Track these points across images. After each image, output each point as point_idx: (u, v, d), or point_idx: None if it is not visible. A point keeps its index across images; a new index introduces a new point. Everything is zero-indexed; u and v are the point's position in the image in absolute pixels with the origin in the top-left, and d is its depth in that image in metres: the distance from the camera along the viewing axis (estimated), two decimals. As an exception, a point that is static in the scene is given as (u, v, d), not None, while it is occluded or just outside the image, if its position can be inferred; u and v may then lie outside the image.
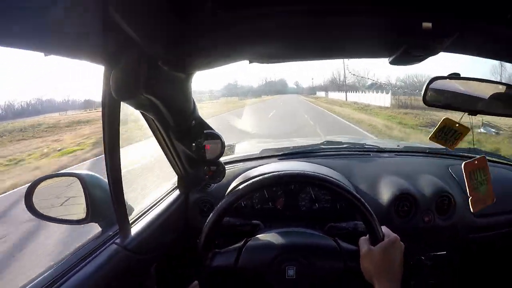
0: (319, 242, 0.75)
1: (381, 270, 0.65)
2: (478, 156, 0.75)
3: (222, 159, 0.90)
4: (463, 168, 0.71)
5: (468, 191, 0.72)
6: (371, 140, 1.66)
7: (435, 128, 0.73)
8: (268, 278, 0.70)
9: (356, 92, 27.90)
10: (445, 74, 0.74)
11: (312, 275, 0.69)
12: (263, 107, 24.58)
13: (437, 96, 0.72)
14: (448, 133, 0.71)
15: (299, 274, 0.69)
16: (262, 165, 1.14)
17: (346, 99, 28.21)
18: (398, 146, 1.37)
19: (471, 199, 0.73)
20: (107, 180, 0.77)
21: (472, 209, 0.72)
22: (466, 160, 0.73)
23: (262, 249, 0.73)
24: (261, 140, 1.82)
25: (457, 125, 0.70)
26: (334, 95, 39.11)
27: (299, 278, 0.69)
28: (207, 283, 0.71)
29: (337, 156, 1.24)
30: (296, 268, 0.69)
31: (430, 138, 0.75)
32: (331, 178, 0.71)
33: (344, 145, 1.36)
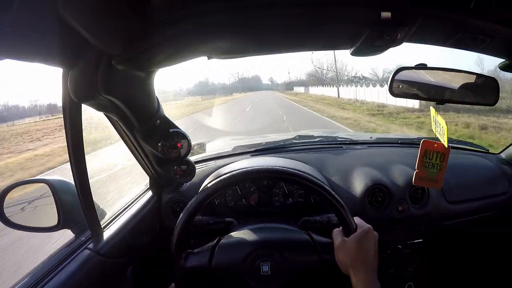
0: (292, 236, 0.75)
1: (356, 260, 0.65)
2: (442, 143, 0.76)
3: (193, 158, 0.90)
4: (420, 144, 0.72)
5: (416, 165, 0.73)
6: (344, 133, 1.67)
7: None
8: (243, 275, 0.70)
9: (347, 86, 23.07)
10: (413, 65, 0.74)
11: (287, 270, 0.70)
12: (231, 107, 19.89)
13: (404, 87, 0.72)
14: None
15: (274, 269, 0.70)
16: (234, 162, 1.14)
17: (339, 95, 22.81)
18: (371, 138, 1.39)
19: (416, 173, 0.74)
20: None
21: (413, 181, 0.74)
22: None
23: (235, 246, 0.73)
24: (234, 137, 1.81)
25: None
26: (316, 90, 35.13)
27: (274, 274, 0.69)
28: (183, 284, 0.70)
29: (309, 150, 1.24)
30: (271, 264, 0.70)
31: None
32: (299, 172, 0.71)
33: (317, 139, 1.37)
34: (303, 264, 0.70)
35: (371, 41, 0.59)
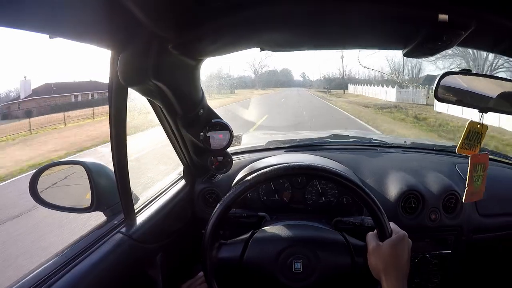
0: (327, 236, 0.74)
1: (389, 266, 0.64)
2: (482, 153, 0.75)
3: (229, 149, 0.89)
4: (470, 159, 0.71)
5: (467, 181, 0.72)
6: (377, 135, 1.65)
7: (462, 137, 0.72)
8: (274, 271, 0.69)
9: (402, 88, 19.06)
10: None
11: (318, 270, 0.69)
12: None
13: (449, 92, 0.72)
14: (472, 138, 0.70)
15: (306, 268, 0.69)
16: (269, 156, 1.13)
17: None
18: (405, 142, 1.36)
19: (467, 190, 0.73)
20: (112, 169, 0.77)
21: (464, 199, 0.72)
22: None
23: (269, 241, 0.72)
24: (266, 132, 1.81)
25: (479, 125, 0.70)
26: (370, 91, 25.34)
27: (306, 272, 0.68)
28: (212, 274, 0.70)
29: (344, 150, 1.22)
30: (303, 262, 0.69)
31: (458, 151, 0.73)
32: (342, 172, 0.70)
33: (351, 139, 1.35)
34: (336, 265, 0.69)
35: (426, 43, 0.58)
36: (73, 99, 22.37)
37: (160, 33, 0.54)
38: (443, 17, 0.54)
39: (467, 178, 0.71)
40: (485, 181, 0.71)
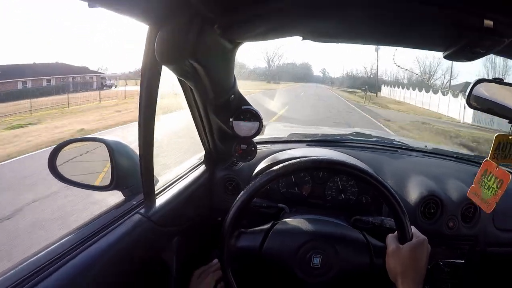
0: (347, 233, 0.73)
1: (407, 269, 0.64)
2: (504, 168, 0.74)
3: None
4: (482, 162, 0.70)
5: (474, 180, 0.71)
6: (399, 137, 1.65)
7: (491, 148, 0.71)
8: (293, 264, 0.69)
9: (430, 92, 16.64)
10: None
11: (337, 266, 0.68)
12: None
13: (481, 100, 0.72)
14: (505, 149, 0.69)
15: (324, 263, 0.68)
16: (291, 149, 1.13)
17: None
18: (426, 146, 1.35)
19: (472, 186, 0.72)
20: (133, 149, 0.76)
21: (468, 193, 0.72)
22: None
23: (289, 234, 0.72)
24: (288, 124, 1.80)
25: (510, 137, 0.68)
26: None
27: (324, 268, 0.68)
28: (229, 263, 0.70)
29: (365, 149, 1.22)
30: (322, 257, 0.68)
31: (490, 159, 0.72)
32: (370, 171, 0.70)
33: (373, 139, 1.34)
34: (354, 263, 0.69)
35: (469, 48, 0.58)
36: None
37: (204, 11, 0.53)
38: (488, 23, 0.54)
39: (475, 177, 0.71)
40: (498, 197, 0.70)
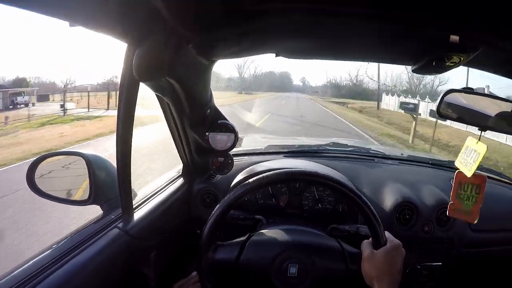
0: (322, 242, 0.75)
1: (382, 274, 0.65)
2: (478, 172, 0.74)
3: None
4: (454, 176, 0.72)
5: (451, 196, 0.73)
6: (375, 146, 1.68)
7: (461, 151, 0.73)
8: (269, 274, 0.69)
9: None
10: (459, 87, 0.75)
11: (313, 275, 0.69)
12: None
13: (451, 109, 0.73)
14: (469, 155, 0.71)
15: (301, 272, 0.69)
16: (268, 160, 1.14)
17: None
18: (402, 154, 1.39)
19: (450, 204, 0.73)
20: (112, 163, 0.76)
21: (448, 213, 0.73)
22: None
23: (265, 245, 0.73)
24: (266, 135, 1.82)
25: (477, 143, 0.70)
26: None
27: (301, 277, 0.69)
28: (206, 275, 0.70)
29: (342, 159, 1.24)
30: (299, 266, 0.69)
31: (455, 163, 0.74)
32: (342, 180, 0.71)
33: (350, 148, 1.37)
34: (330, 271, 0.70)
35: (435, 62, 0.60)
36: None
37: (180, 30, 0.54)
38: (454, 38, 0.55)
39: (451, 193, 0.72)
40: (479, 204, 0.72)
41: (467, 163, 0.74)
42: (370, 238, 0.70)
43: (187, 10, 0.49)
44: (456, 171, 0.74)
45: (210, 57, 0.65)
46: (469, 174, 0.69)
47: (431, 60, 0.59)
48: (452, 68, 0.62)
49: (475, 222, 0.72)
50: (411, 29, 0.55)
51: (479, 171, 0.79)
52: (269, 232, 0.76)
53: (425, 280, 1.01)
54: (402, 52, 0.65)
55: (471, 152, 0.74)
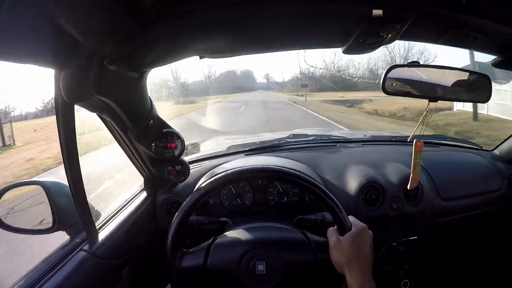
0: (287, 235, 0.75)
1: (351, 259, 0.65)
2: (416, 140, 0.77)
3: (188, 158, 0.90)
4: (414, 145, 0.73)
5: (412, 168, 0.74)
6: (338, 131, 1.68)
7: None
8: (239, 274, 0.70)
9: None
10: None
11: (282, 269, 0.70)
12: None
13: (397, 85, 0.73)
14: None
15: (269, 268, 0.70)
16: (228, 161, 1.14)
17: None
18: (365, 136, 1.39)
19: (412, 176, 0.75)
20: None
21: (409, 186, 0.74)
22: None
23: (230, 246, 0.73)
24: (228, 137, 1.81)
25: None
26: None
27: (270, 273, 0.70)
28: (179, 284, 0.70)
29: (303, 149, 1.25)
30: (266, 263, 0.70)
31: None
32: (293, 171, 0.71)
33: (311, 138, 1.37)
34: (299, 263, 0.70)
35: (363, 39, 0.59)
36: None
37: (97, 49, 0.54)
38: (377, 12, 0.55)
39: (411, 165, 0.73)
40: (419, 168, 0.73)
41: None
42: (335, 225, 0.70)
43: (97, 30, 0.49)
44: (414, 141, 0.74)
45: (134, 69, 0.64)
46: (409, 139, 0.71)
47: (358, 38, 0.58)
48: (385, 43, 0.61)
49: (409, 187, 0.73)
50: (333, 9, 0.54)
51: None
52: (232, 233, 0.76)
53: (404, 256, 1.02)
54: (329, 34, 0.64)
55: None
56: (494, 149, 1.28)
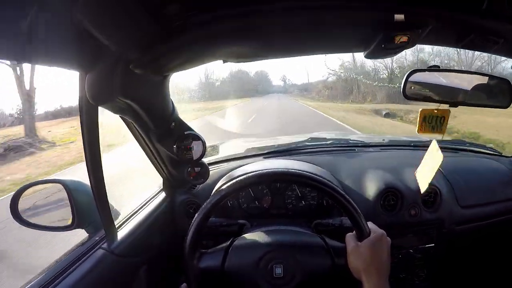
0: (305, 239, 0.75)
1: (369, 265, 0.65)
2: (441, 108, 0.75)
3: (207, 159, 0.91)
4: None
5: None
6: (356, 135, 1.66)
7: (417, 121, 0.74)
8: (256, 277, 0.70)
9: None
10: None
11: (299, 273, 0.69)
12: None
13: (417, 89, 0.73)
14: (431, 121, 0.72)
15: (287, 272, 0.69)
16: (247, 164, 1.14)
17: None
18: (384, 140, 1.38)
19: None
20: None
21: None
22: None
23: (248, 248, 0.73)
24: (246, 139, 1.82)
25: (436, 111, 0.71)
26: None
27: (287, 276, 0.69)
28: (195, 285, 0.70)
29: (322, 153, 1.24)
30: (284, 266, 0.70)
31: (418, 131, 0.76)
32: (313, 175, 0.71)
33: (329, 141, 1.37)
34: (316, 267, 0.70)
35: (385, 44, 0.59)
36: None
37: (123, 53, 0.55)
38: (399, 17, 0.55)
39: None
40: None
41: (434, 127, 0.76)
42: (354, 231, 0.70)
43: (124, 35, 0.50)
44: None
45: (158, 73, 0.66)
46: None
47: (380, 43, 0.59)
48: (404, 48, 0.61)
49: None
50: (355, 15, 0.54)
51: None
52: (251, 235, 0.76)
53: (421, 263, 1.00)
54: (351, 39, 0.65)
55: (433, 119, 0.75)
56: (514, 155, 1.26)
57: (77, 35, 0.49)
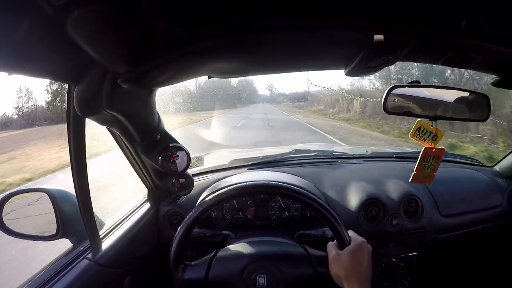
0: (288, 249, 0.76)
1: (350, 273, 0.66)
2: (438, 147, 0.77)
3: (191, 171, 0.91)
4: (422, 150, 0.74)
5: (415, 168, 0.75)
6: (340, 147, 1.68)
7: (412, 128, 0.76)
8: (240, 287, 0.71)
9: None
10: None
11: (283, 283, 0.71)
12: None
13: (397, 104, 0.74)
14: (424, 134, 0.74)
15: (270, 282, 0.71)
16: (231, 175, 1.15)
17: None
18: (367, 152, 1.40)
19: (414, 174, 0.76)
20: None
21: (411, 180, 0.76)
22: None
23: (232, 259, 0.74)
24: (232, 150, 1.83)
25: (431, 127, 0.73)
26: None
27: (270, 286, 0.70)
28: None
29: (306, 164, 1.26)
30: (267, 277, 0.71)
31: (410, 135, 0.77)
32: (293, 187, 0.73)
33: (313, 153, 1.38)
34: (299, 277, 0.71)
35: (365, 62, 0.61)
36: None
37: (111, 67, 0.56)
38: (378, 37, 0.57)
39: (416, 165, 0.75)
40: (436, 169, 0.75)
41: (424, 139, 0.78)
42: (335, 240, 0.71)
43: (112, 49, 0.51)
44: (424, 147, 0.76)
45: (145, 87, 0.66)
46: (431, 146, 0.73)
47: (360, 61, 0.60)
48: (386, 66, 0.63)
49: (430, 183, 0.76)
50: (336, 35, 0.56)
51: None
52: (234, 246, 0.77)
53: (403, 271, 1.02)
54: (332, 57, 0.66)
55: (426, 132, 0.77)
56: (495, 165, 1.29)
57: (68, 49, 0.49)
